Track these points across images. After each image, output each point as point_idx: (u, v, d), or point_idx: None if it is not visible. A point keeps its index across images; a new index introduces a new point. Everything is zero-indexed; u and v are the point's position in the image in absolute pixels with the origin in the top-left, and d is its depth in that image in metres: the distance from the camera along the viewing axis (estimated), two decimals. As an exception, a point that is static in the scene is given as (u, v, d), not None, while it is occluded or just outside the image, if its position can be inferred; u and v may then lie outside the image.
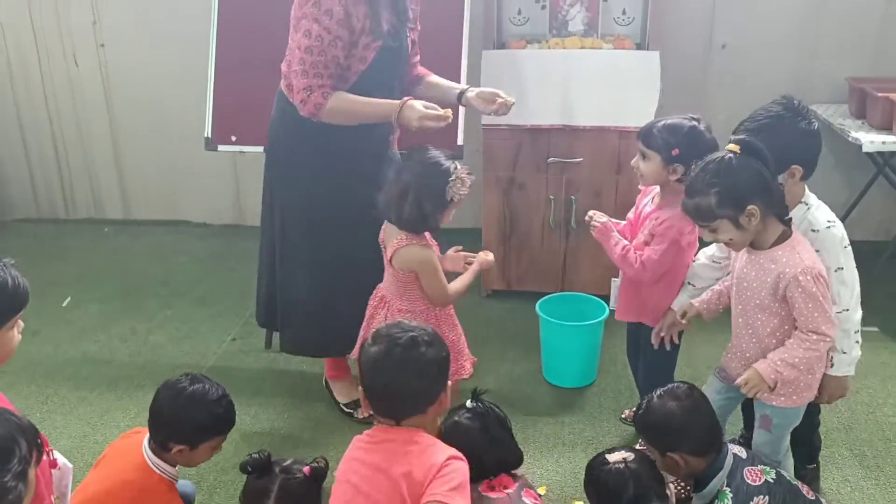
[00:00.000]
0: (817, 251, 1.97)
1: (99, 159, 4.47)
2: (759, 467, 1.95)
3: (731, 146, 1.90)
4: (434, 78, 2.71)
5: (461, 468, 1.63)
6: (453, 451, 1.66)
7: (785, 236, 1.93)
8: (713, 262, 2.34)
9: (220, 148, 3.38)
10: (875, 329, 3.33)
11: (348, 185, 2.52)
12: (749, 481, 1.90)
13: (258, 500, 1.80)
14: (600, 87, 3.28)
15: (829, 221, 2.05)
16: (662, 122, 2.28)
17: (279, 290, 2.72)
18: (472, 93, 2.58)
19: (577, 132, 3.30)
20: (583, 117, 3.28)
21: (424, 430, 1.68)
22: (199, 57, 3.49)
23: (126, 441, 1.97)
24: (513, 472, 2.07)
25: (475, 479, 1.85)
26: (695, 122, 2.26)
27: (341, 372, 2.85)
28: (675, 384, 2.03)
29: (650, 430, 1.99)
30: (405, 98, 2.40)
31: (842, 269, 2.03)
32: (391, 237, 2.31)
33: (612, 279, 3.06)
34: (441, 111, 2.37)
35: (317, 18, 2.31)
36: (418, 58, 2.70)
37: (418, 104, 2.37)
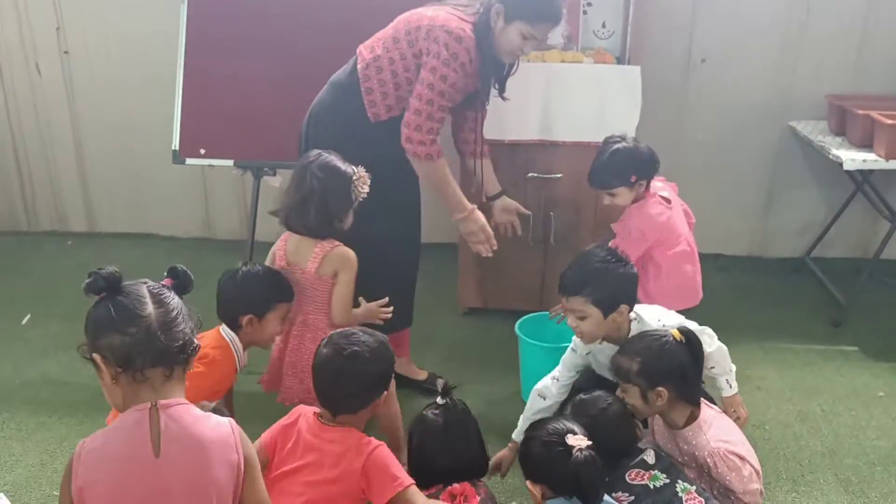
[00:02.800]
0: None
1: (63, 170, 4.33)
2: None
3: (675, 333, 2.02)
4: (487, 166, 2.92)
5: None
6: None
7: (693, 417, 2.04)
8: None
9: (188, 161, 3.27)
10: (855, 348, 3.31)
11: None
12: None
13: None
14: (581, 101, 3.21)
15: (658, 320, 2.19)
16: (605, 161, 2.63)
17: None
18: (499, 202, 2.94)
19: (556, 148, 3.24)
20: (563, 132, 3.21)
21: (356, 427, 1.90)
22: (167, 66, 3.39)
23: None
24: (477, 481, 1.99)
25: (428, 482, 1.94)
26: (624, 142, 2.64)
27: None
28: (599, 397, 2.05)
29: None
30: (474, 206, 2.66)
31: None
32: (306, 251, 2.34)
33: None
34: (489, 243, 2.68)
35: (453, 67, 2.45)
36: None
37: (482, 221, 2.67)
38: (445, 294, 3.60)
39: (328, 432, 1.87)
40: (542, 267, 3.41)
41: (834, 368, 3.19)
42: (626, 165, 2.60)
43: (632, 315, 2.23)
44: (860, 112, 3.34)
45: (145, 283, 1.51)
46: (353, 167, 2.33)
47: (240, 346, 2.27)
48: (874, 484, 2.51)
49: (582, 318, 2.22)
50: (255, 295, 2.25)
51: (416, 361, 3.04)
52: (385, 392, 1.97)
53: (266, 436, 1.92)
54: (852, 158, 3.24)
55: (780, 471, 2.56)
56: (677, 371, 1.99)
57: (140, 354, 1.41)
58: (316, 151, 2.35)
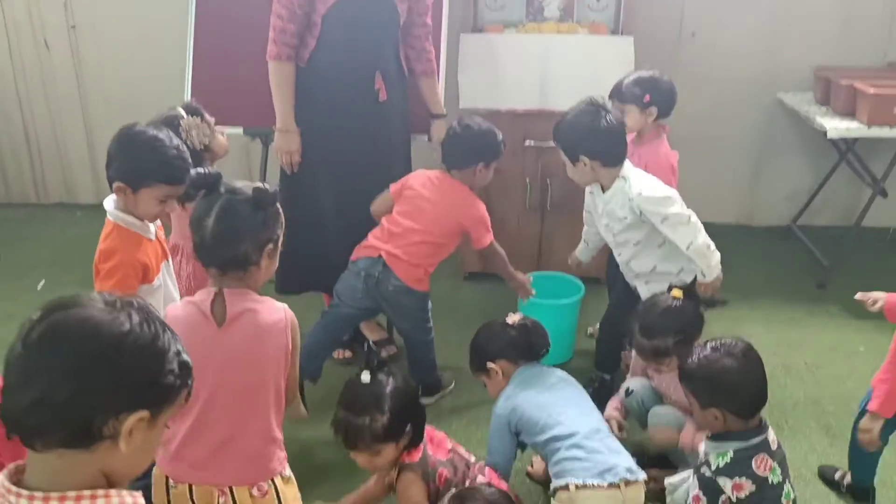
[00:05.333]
0: (640, 213, 2.46)
1: (71, 143, 4.43)
2: (773, 463, 1.93)
3: (675, 293, 2.31)
4: (427, 84, 2.97)
5: None
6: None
7: None
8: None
9: (197, 131, 3.37)
10: (839, 307, 3.46)
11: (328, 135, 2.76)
12: (754, 466, 1.91)
13: (200, 221, 1.70)
14: (576, 71, 3.34)
15: (639, 190, 2.45)
16: (628, 79, 2.75)
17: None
18: (436, 122, 3.00)
19: (553, 116, 3.31)
20: (559, 101, 3.31)
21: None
22: (173, 40, 3.49)
23: None
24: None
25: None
26: (653, 72, 2.77)
27: None
28: (733, 341, 2.00)
29: (698, 381, 1.98)
30: (296, 130, 2.76)
31: (667, 217, 2.43)
32: None
33: None
34: (289, 167, 2.82)
35: None
36: (423, 40, 2.89)
37: (293, 147, 2.78)
38: (448, 260, 3.72)
39: None
40: (539, 232, 3.55)
41: (818, 326, 3.34)
42: (646, 85, 2.74)
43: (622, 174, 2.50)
44: (843, 82, 3.48)
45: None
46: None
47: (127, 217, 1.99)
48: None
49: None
50: (132, 163, 1.95)
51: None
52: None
53: None
54: (835, 127, 3.38)
55: (766, 417, 2.70)
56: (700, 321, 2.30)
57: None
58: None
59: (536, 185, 3.46)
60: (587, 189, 2.69)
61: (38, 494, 0.98)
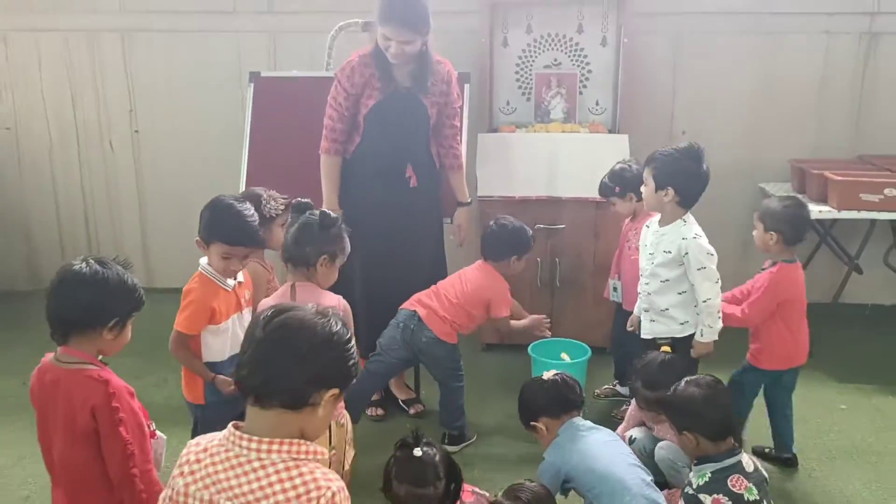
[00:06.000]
0: (685, 254, 2.80)
1: (127, 235, 4.91)
2: (749, 484, 2.25)
3: (665, 348, 2.78)
4: (454, 177, 3.44)
5: None
6: None
7: None
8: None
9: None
10: (824, 374, 3.81)
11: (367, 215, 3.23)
12: (730, 485, 2.23)
13: (289, 230, 2.57)
14: (578, 164, 3.83)
15: (695, 234, 2.82)
16: (604, 177, 3.34)
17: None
18: (459, 209, 3.49)
19: (559, 202, 3.82)
20: (564, 190, 3.81)
21: None
22: (225, 144, 4.03)
23: None
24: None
25: None
26: (623, 164, 3.34)
27: None
28: (703, 376, 2.44)
29: (672, 409, 2.38)
30: (341, 210, 3.19)
31: (703, 268, 2.79)
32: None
33: (611, 280, 3.51)
34: None
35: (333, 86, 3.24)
36: (451, 139, 3.37)
37: None
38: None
39: None
40: (549, 305, 3.95)
41: (805, 388, 3.63)
42: (615, 179, 3.30)
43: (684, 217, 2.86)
44: (815, 172, 3.95)
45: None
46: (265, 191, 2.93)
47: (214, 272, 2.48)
48: (833, 473, 3.00)
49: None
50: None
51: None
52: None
53: None
54: (810, 210, 3.82)
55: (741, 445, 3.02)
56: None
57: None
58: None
59: (546, 264, 3.89)
60: (645, 224, 3.06)
61: (265, 440, 1.43)
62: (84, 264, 1.89)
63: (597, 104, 4.20)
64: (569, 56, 4.19)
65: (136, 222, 4.88)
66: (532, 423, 2.57)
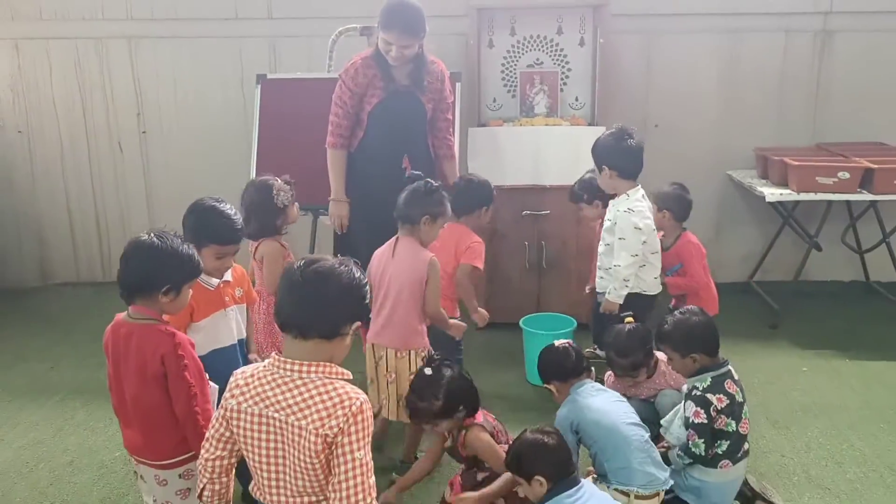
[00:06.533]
0: (615, 224, 3.23)
1: (136, 230, 5.02)
2: (736, 388, 2.71)
3: (629, 320, 3.07)
4: (448, 165, 3.76)
5: None
6: None
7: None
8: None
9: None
10: (787, 342, 4.18)
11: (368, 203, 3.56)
12: (726, 387, 2.67)
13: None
14: (561, 155, 4.16)
15: (628, 209, 3.22)
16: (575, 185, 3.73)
17: None
18: None
19: (544, 190, 4.16)
20: (548, 178, 4.15)
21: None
22: (230, 143, 4.33)
23: None
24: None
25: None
26: (589, 175, 3.66)
27: None
28: (689, 307, 2.85)
29: (674, 339, 2.73)
30: (346, 200, 3.59)
31: (624, 238, 3.20)
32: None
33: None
34: (339, 228, 3.64)
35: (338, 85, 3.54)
36: (444, 132, 3.70)
37: (342, 213, 3.60)
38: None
39: None
40: (537, 287, 4.28)
41: (770, 355, 4.06)
42: (584, 187, 3.67)
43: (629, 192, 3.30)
44: (776, 158, 4.32)
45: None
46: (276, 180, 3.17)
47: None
48: (795, 423, 3.36)
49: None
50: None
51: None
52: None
53: None
54: (772, 193, 4.20)
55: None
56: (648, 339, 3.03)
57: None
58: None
59: (533, 247, 4.23)
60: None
61: (305, 363, 1.77)
62: (147, 236, 2.17)
63: (576, 100, 4.54)
64: (550, 56, 4.53)
65: (145, 219, 5.13)
66: (545, 384, 2.90)
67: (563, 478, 2.36)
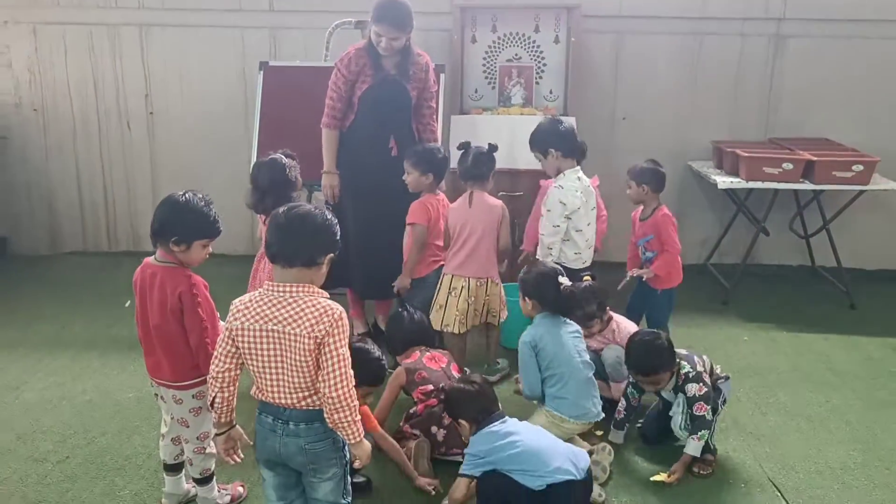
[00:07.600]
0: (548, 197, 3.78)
1: (141, 205, 5.56)
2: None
3: (586, 278, 3.51)
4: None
5: None
6: None
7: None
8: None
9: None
10: (735, 316, 4.63)
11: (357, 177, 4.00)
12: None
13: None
14: (534, 142, 4.58)
15: (559, 185, 3.77)
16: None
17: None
18: None
19: (518, 174, 4.58)
20: (522, 163, 4.55)
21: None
22: (231, 125, 4.77)
23: None
24: (444, 350, 3.38)
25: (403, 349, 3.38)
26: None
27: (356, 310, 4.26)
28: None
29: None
30: (335, 172, 4.00)
31: (549, 210, 3.74)
32: None
33: None
34: (330, 196, 4.07)
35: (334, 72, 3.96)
36: (428, 117, 4.11)
37: (333, 182, 4.01)
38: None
39: None
40: (512, 258, 4.69)
41: (718, 327, 4.51)
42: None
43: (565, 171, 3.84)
44: (729, 150, 4.77)
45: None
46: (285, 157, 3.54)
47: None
48: (735, 382, 3.78)
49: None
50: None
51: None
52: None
53: None
54: (724, 181, 4.64)
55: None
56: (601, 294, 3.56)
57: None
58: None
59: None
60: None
61: (292, 285, 2.17)
62: (179, 194, 2.57)
63: (550, 92, 4.97)
64: (527, 51, 4.95)
65: (150, 194, 5.52)
66: (525, 296, 3.29)
67: (486, 417, 2.72)
